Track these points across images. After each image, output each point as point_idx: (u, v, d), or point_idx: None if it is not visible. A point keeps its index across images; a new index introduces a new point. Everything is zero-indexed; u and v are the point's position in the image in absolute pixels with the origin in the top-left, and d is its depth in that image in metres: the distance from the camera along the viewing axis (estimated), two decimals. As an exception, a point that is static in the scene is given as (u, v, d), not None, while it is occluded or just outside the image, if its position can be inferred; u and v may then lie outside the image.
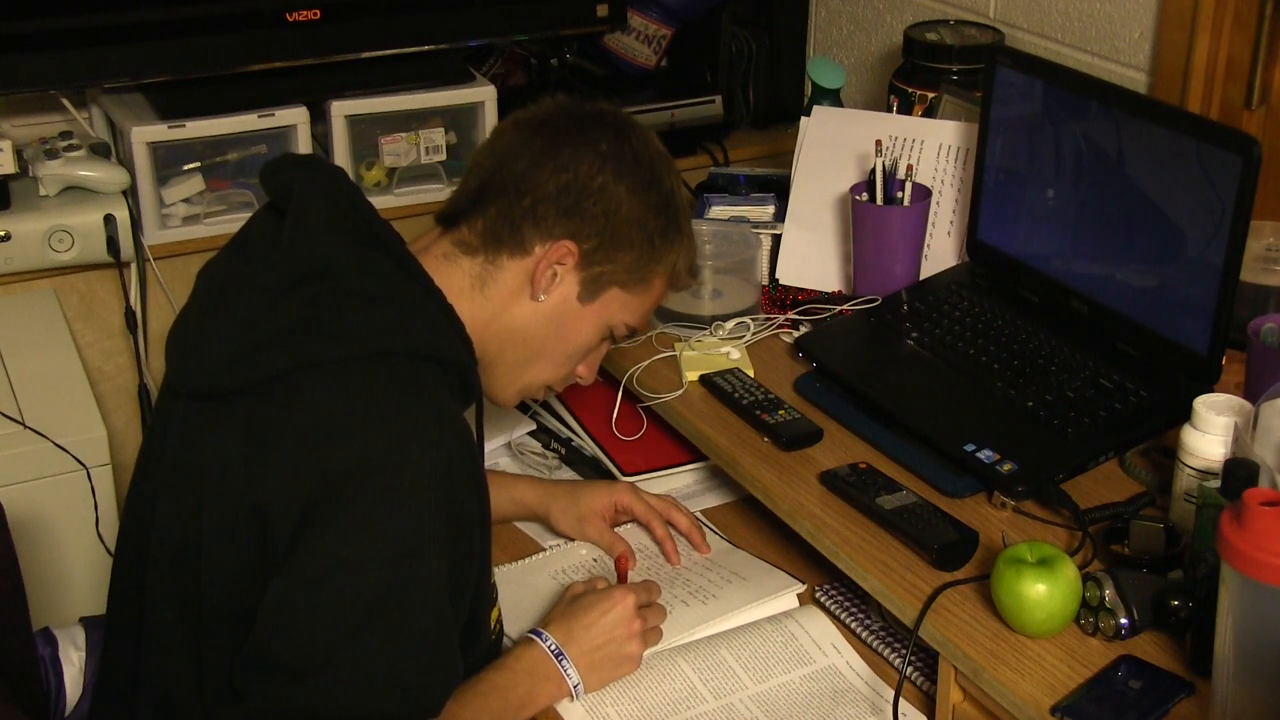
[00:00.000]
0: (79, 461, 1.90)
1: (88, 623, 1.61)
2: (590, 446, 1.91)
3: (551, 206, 1.41)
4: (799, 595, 1.67)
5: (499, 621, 1.54)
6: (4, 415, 1.92)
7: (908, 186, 1.91)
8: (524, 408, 2.00)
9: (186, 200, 2.26)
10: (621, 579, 1.67)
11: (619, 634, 1.51)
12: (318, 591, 1.24)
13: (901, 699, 1.46)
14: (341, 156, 2.32)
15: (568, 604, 1.55)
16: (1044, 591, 1.34)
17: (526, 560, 1.75)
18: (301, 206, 1.38)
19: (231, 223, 2.20)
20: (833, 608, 1.65)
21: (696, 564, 1.72)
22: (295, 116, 2.28)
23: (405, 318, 1.33)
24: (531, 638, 1.50)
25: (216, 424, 1.32)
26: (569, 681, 1.48)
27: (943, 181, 1.99)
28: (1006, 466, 1.56)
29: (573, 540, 1.78)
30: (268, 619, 1.25)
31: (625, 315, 1.49)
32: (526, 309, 1.44)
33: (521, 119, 1.47)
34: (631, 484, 1.80)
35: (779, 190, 2.13)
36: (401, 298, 1.34)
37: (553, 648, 1.48)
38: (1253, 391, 1.55)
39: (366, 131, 2.33)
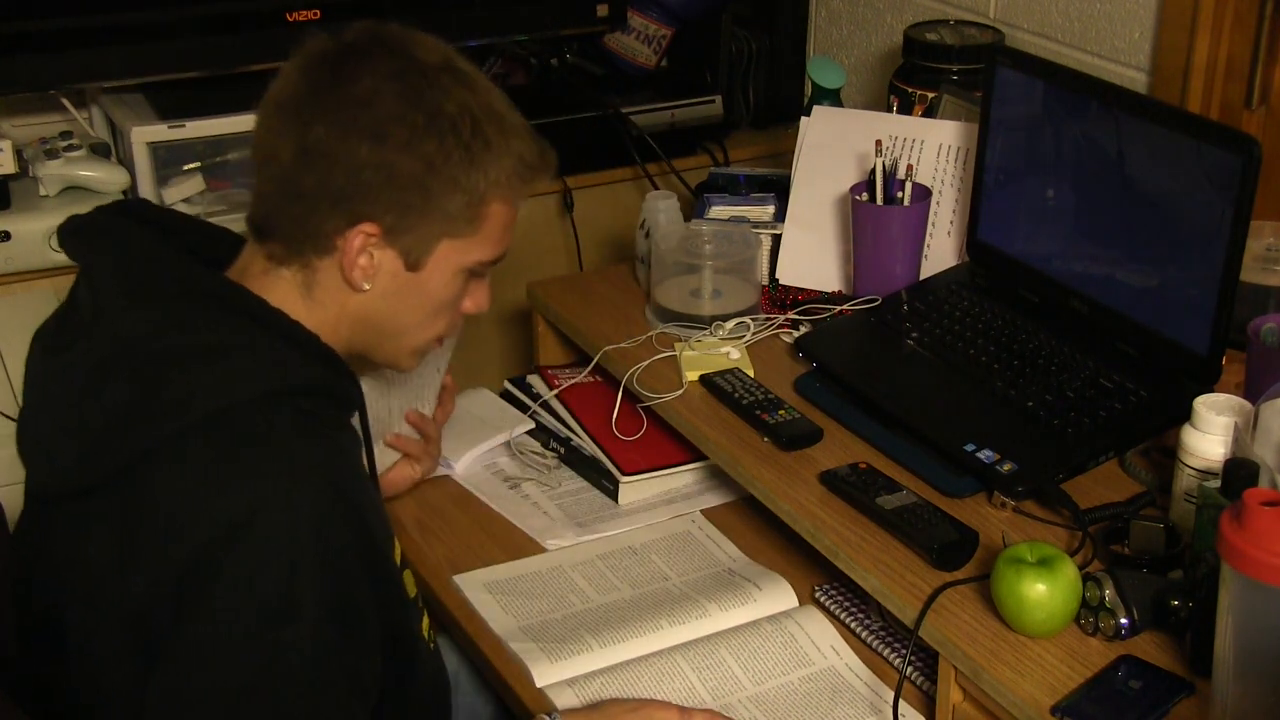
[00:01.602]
0: (79, 461, 1.90)
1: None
2: (590, 446, 1.91)
3: (325, 198, 1.28)
4: (798, 595, 1.67)
5: (431, 629, 1.51)
6: (4, 415, 1.92)
7: (908, 186, 1.91)
8: (523, 407, 2.00)
9: (186, 200, 2.26)
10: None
11: None
12: (191, 683, 1.19)
13: (901, 699, 1.46)
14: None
15: (600, 702, 1.48)
16: (1044, 591, 1.34)
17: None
18: (93, 281, 1.31)
19: (231, 223, 2.19)
20: (832, 608, 1.65)
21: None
22: (295, 116, 2.27)
23: (233, 363, 1.24)
24: (541, 716, 1.41)
25: (79, 523, 1.27)
26: None
27: (943, 181, 1.99)
28: (1006, 466, 1.56)
29: None
30: (158, 716, 1.21)
31: (475, 254, 1.36)
32: (359, 300, 1.34)
33: (270, 100, 1.32)
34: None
35: (779, 190, 2.13)
36: (226, 341, 1.25)
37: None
38: (1253, 391, 1.54)
39: (366, 131, 2.33)
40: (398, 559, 1.36)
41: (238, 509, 1.19)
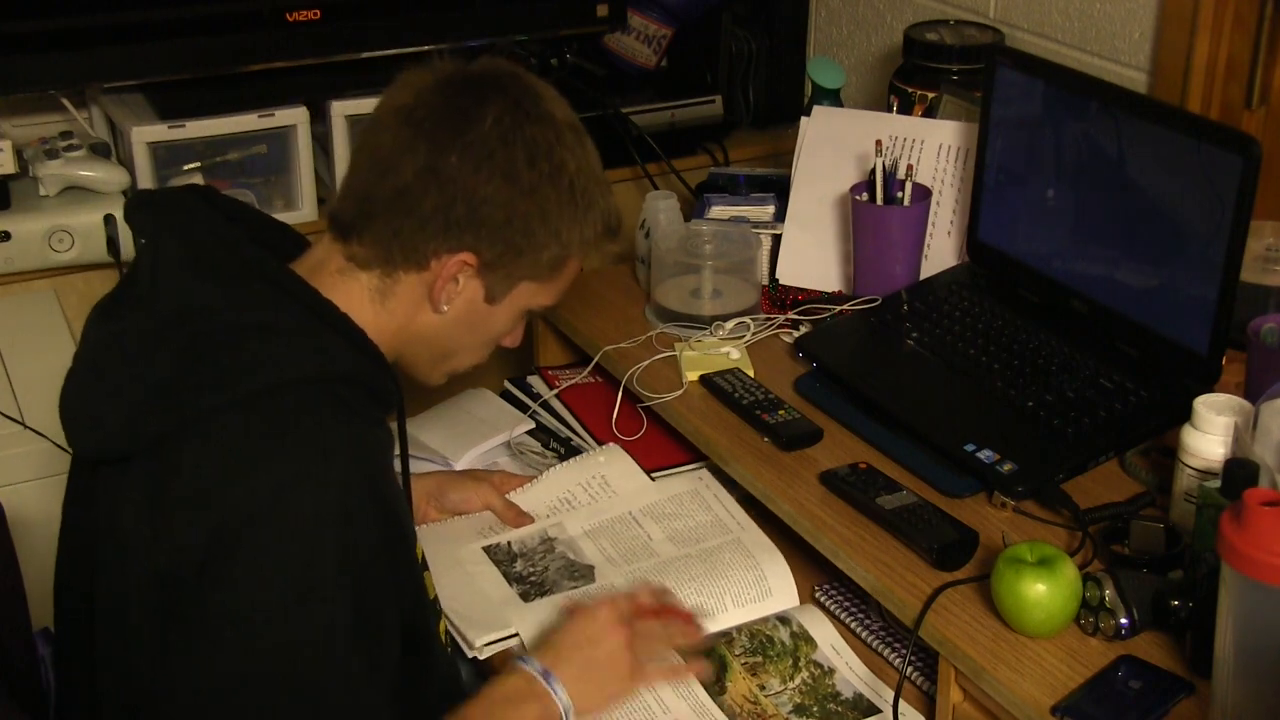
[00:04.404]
0: (79, 461, 1.90)
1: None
2: (590, 446, 1.91)
3: (440, 221, 1.33)
4: (799, 595, 1.66)
5: (448, 633, 1.52)
6: (4, 415, 1.92)
7: (908, 186, 1.91)
8: (523, 407, 2.00)
9: (186, 200, 2.26)
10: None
11: (605, 647, 1.45)
12: (211, 655, 1.21)
13: (901, 699, 1.46)
14: (341, 156, 2.32)
15: (552, 630, 1.51)
16: (1044, 591, 1.34)
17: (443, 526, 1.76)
18: (156, 253, 1.33)
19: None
20: (833, 608, 1.65)
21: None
22: (295, 116, 2.28)
23: (283, 344, 1.26)
24: (516, 663, 1.44)
25: (118, 490, 1.29)
26: (559, 704, 1.41)
27: (943, 181, 1.99)
28: (1006, 466, 1.56)
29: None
30: (174, 688, 1.22)
31: (541, 299, 1.43)
32: (432, 319, 1.39)
33: (398, 108, 1.35)
34: (492, 482, 1.79)
35: (779, 190, 2.13)
36: (278, 322, 1.27)
37: (538, 669, 1.42)
38: (1253, 391, 1.55)
39: (366, 131, 2.33)
40: (419, 559, 1.38)
41: (267, 486, 1.20)
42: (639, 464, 1.82)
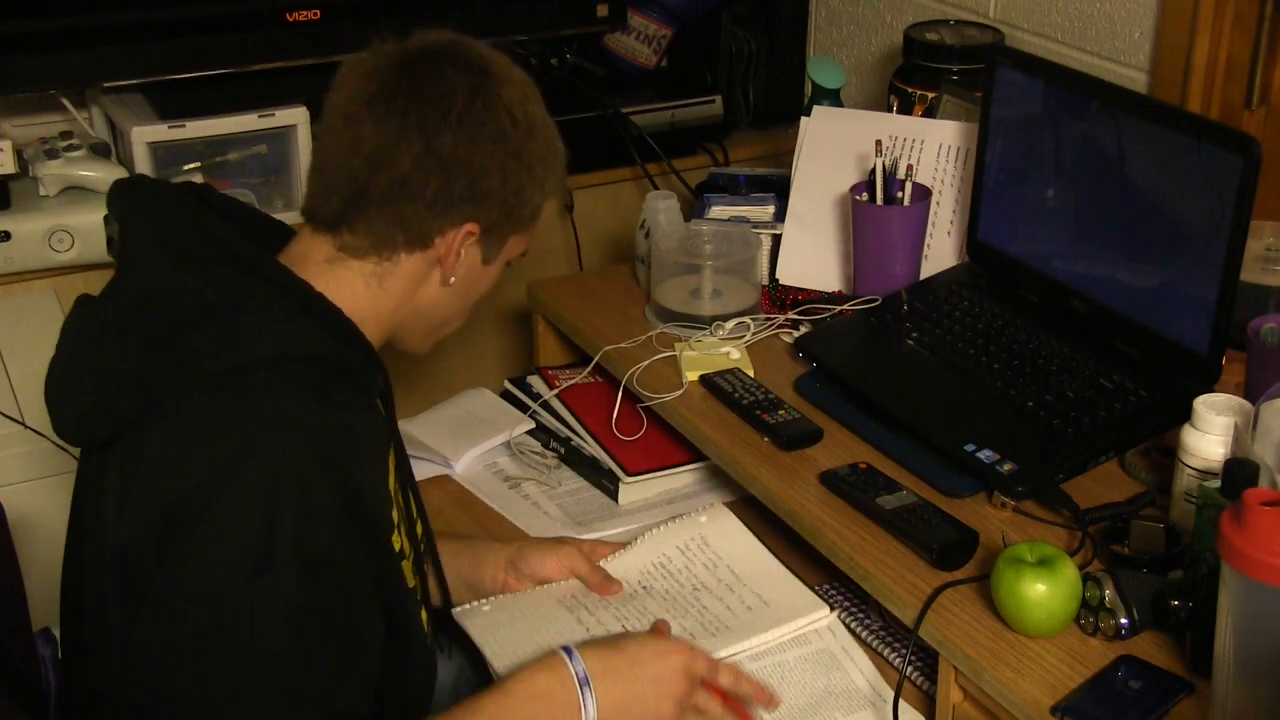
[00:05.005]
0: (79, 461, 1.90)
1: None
2: (590, 446, 1.91)
3: (444, 200, 1.34)
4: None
5: (431, 622, 1.49)
6: (4, 415, 1.92)
7: (908, 186, 1.91)
8: (523, 407, 2.00)
9: (186, 200, 2.26)
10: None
11: (661, 687, 1.36)
12: (167, 627, 1.20)
13: (901, 699, 1.46)
14: (341, 156, 2.32)
15: (617, 636, 1.45)
16: (1044, 591, 1.34)
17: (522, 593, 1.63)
18: (130, 238, 1.33)
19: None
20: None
21: (716, 587, 1.63)
22: (295, 116, 2.28)
23: (248, 324, 1.25)
24: (559, 654, 1.36)
25: (98, 477, 1.30)
26: (584, 717, 1.33)
27: (943, 181, 1.99)
28: (1006, 466, 1.56)
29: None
30: (134, 666, 1.23)
31: (521, 247, 1.46)
32: (436, 292, 1.40)
33: (369, 99, 1.33)
34: (579, 547, 1.65)
35: (779, 190, 2.13)
36: (244, 304, 1.27)
37: (579, 671, 1.34)
38: (1253, 391, 1.55)
39: (366, 131, 2.33)
40: (398, 548, 1.37)
41: (222, 457, 1.21)
42: (741, 519, 1.70)
